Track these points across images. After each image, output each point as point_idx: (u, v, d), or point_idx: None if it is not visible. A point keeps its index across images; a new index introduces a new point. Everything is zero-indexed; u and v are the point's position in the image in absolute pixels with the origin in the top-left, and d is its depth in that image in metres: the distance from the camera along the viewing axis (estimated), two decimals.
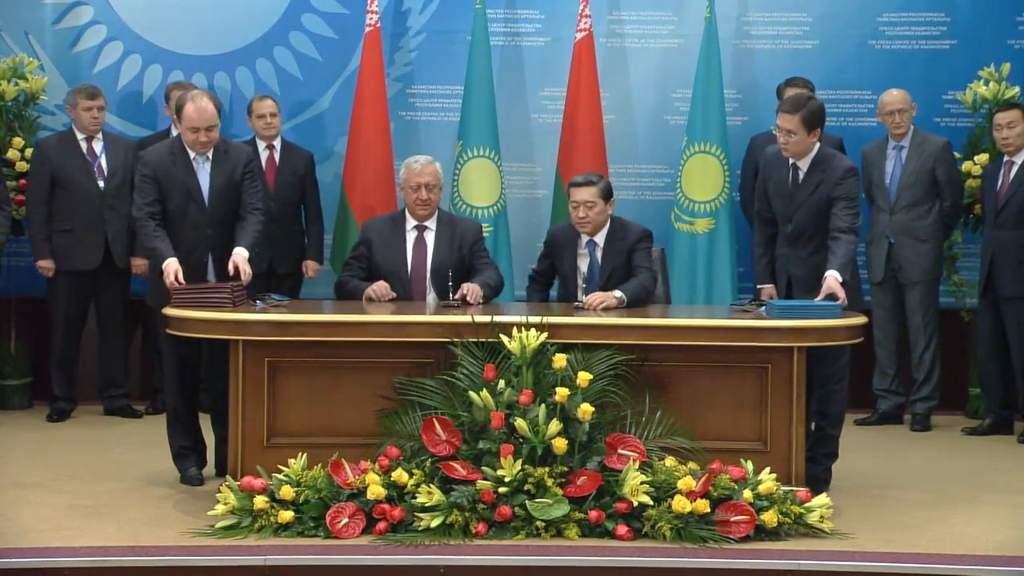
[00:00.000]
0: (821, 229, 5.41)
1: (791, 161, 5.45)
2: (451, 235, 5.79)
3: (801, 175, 5.44)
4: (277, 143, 7.05)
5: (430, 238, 5.80)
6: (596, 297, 5.43)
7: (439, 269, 5.69)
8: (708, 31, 7.17)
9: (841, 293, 5.16)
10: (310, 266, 7.10)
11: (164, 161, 5.39)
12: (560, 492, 4.66)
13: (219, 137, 5.42)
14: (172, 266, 5.21)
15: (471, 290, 5.51)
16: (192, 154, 5.37)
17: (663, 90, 7.49)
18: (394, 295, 5.65)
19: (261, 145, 6.98)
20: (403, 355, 4.98)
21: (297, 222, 7.11)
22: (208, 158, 5.40)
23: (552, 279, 6.04)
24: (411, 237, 5.80)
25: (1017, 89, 7.06)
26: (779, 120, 5.38)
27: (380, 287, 5.64)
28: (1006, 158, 6.69)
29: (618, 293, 5.49)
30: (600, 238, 5.78)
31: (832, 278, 5.20)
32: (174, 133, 6.98)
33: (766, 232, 5.64)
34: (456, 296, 5.46)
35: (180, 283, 5.18)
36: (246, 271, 5.25)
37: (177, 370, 5.44)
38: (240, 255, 5.28)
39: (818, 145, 5.43)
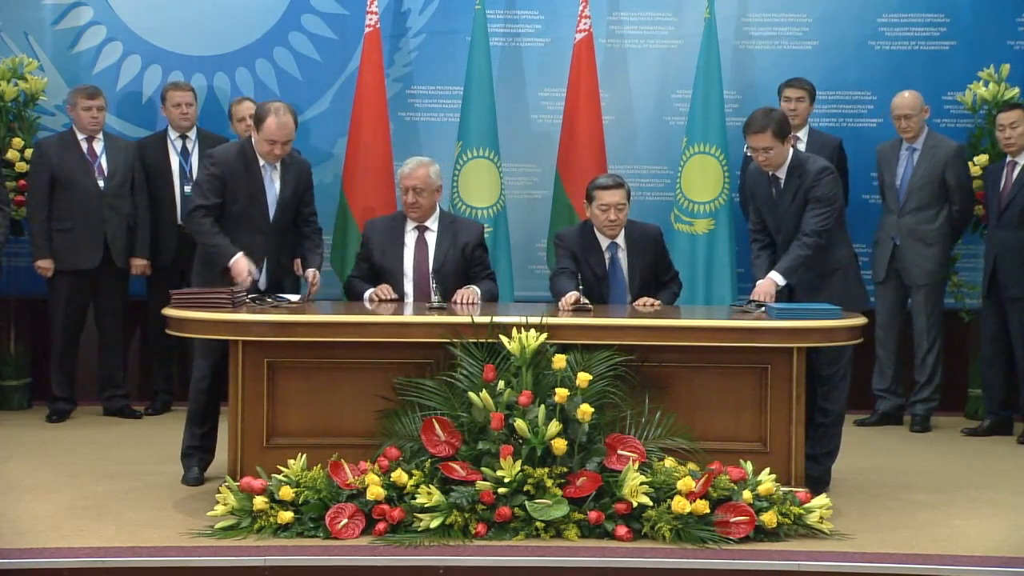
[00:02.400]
0: None
1: (771, 173, 5.50)
2: (453, 236, 5.78)
3: (782, 184, 5.49)
4: None
5: (431, 239, 5.78)
6: (648, 299, 5.60)
7: (441, 269, 5.68)
8: (708, 32, 7.16)
9: (765, 298, 5.29)
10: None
11: (234, 163, 5.49)
12: (560, 493, 4.66)
13: None
14: (242, 263, 5.34)
15: (466, 294, 5.50)
16: (262, 162, 5.48)
17: (663, 90, 7.49)
18: (395, 296, 5.66)
19: None
20: (403, 356, 4.97)
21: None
22: (276, 167, 5.52)
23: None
24: (411, 238, 5.79)
25: (1017, 90, 7.06)
26: (752, 142, 5.43)
27: (383, 291, 5.67)
28: (1008, 158, 6.68)
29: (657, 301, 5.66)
30: (620, 240, 5.79)
31: (768, 279, 5.35)
32: (172, 135, 7.00)
33: (761, 242, 5.70)
34: (450, 300, 5.43)
35: (255, 277, 5.34)
36: (316, 282, 5.55)
37: (210, 373, 5.44)
38: (315, 272, 5.57)
39: (791, 150, 5.47)
